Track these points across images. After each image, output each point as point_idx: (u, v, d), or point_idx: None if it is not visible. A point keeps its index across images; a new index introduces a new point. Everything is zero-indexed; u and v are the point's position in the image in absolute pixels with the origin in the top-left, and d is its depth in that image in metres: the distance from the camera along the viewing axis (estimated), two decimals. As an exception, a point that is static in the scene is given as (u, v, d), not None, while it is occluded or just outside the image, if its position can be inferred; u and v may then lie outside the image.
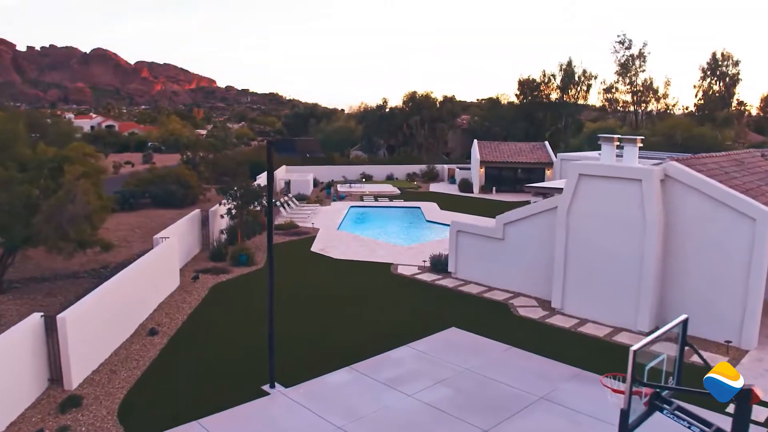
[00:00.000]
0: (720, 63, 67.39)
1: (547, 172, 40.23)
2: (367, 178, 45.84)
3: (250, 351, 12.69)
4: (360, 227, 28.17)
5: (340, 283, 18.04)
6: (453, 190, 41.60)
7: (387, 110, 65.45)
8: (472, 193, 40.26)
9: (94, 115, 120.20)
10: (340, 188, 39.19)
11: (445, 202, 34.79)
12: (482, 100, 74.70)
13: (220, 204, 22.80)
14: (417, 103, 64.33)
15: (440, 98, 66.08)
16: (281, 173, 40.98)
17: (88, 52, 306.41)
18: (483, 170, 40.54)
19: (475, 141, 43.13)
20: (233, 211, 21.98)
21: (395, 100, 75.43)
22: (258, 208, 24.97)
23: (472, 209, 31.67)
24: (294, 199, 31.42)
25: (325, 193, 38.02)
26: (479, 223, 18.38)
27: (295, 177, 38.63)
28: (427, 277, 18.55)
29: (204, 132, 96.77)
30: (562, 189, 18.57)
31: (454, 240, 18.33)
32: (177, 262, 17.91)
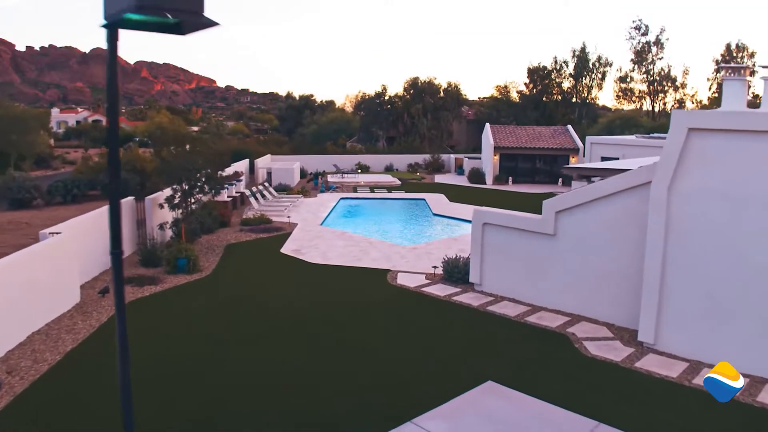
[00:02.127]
0: (735, 55, 62.70)
1: (572, 160, 34.57)
2: (363, 169, 40.22)
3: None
4: (350, 222, 22.56)
5: (312, 300, 12.36)
6: (462, 181, 35.96)
7: (386, 98, 59.85)
8: (485, 184, 34.61)
9: (80, 110, 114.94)
10: (331, 179, 33.57)
11: (455, 194, 29.15)
12: (484, 98, 68.98)
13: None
14: (419, 90, 58.68)
15: (444, 85, 60.32)
16: (264, 162, 35.39)
17: (87, 52, 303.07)
18: (497, 158, 34.85)
19: (488, 125, 37.48)
20: (175, 199, 16.34)
21: (396, 88, 69.80)
22: (218, 197, 19.43)
23: (487, 202, 26.00)
24: (271, 189, 25.78)
25: (313, 184, 32.39)
26: (516, 213, 12.69)
27: (278, 165, 32.97)
28: (440, 290, 12.89)
29: (197, 128, 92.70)
30: (615, 171, 12.99)
31: (479, 237, 12.68)
32: (74, 269, 12.26)
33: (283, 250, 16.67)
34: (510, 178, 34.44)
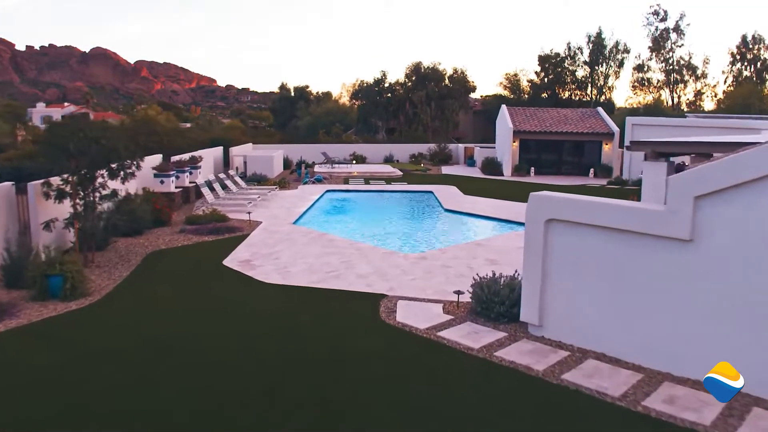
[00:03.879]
0: (751, 47, 58.11)
1: (605, 147, 29.20)
2: (359, 159, 34.86)
3: None
4: (334, 221, 17.21)
5: (240, 363, 6.95)
6: (474, 173, 30.59)
7: (386, 85, 54.48)
8: (502, 175, 29.20)
9: (66, 104, 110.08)
10: (319, 169, 28.22)
11: (469, 187, 23.80)
12: (487, 96, 63.76)
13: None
14: (422, 76, 53.29)
15: (450, 71, 54.88)
16: (241, 150, 30.00)
17: (87, 52, 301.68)
18: (516, 144, 29.42)
19: (504, 107, 32.09)
20: (62, 186, 10.96)
21: (397, 75, 64.32)
22: (162, 187, 14.18)
23: (509, 195, 20.67)
24: (237, 179, 20.40)
25: (296, 174, 27.05)
26: (610, 201, 7.16)
27: (255, 153, 27.57)
28: (470, 335, 7.46)
29: (190, 125, 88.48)
30: (728, 145, 7.67)
31: (540, 242, 7.29)
32: None
33: (226, 261, 11.25)
34: (532, 168, 29.03)
